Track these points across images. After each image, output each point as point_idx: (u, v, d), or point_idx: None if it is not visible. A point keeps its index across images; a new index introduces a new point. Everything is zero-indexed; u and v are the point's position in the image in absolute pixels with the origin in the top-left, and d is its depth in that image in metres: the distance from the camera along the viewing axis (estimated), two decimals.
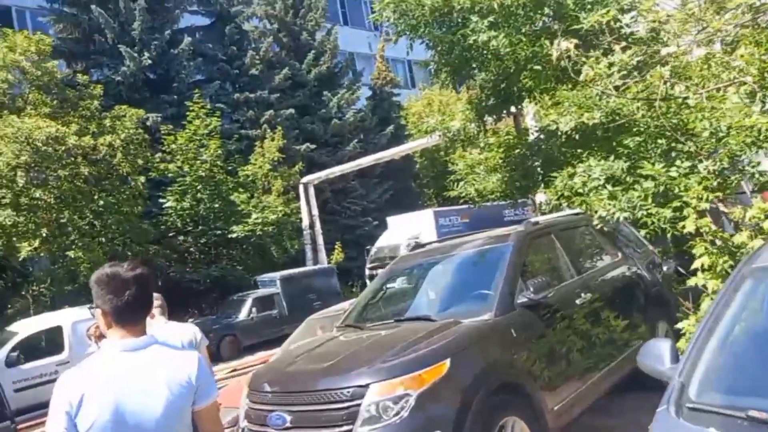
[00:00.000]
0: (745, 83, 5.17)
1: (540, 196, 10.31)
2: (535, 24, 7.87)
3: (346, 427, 3.34)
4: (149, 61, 20.50)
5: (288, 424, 3.56)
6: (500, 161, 8.96)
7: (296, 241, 20.15)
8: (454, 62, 7.44)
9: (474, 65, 7.35)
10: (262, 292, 15.73)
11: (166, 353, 2.02)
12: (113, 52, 20.59)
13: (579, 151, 7.17)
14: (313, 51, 25.91)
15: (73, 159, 13.87)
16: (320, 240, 20.56)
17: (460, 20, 7.36)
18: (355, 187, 25.25)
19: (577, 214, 5.56)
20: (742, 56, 5.05)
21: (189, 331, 4.63)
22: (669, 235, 5.21)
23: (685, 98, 5.56)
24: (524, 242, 4.55)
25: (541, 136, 7.83)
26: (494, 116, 8.42)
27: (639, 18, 7.33)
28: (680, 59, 5.65)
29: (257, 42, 25.25)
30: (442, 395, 3.36)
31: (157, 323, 4.56)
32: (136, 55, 20.24)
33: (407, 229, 19.83)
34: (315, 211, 20.59)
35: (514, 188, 8.11)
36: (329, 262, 20.24)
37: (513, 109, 8.50)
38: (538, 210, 8.88)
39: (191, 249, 18.30)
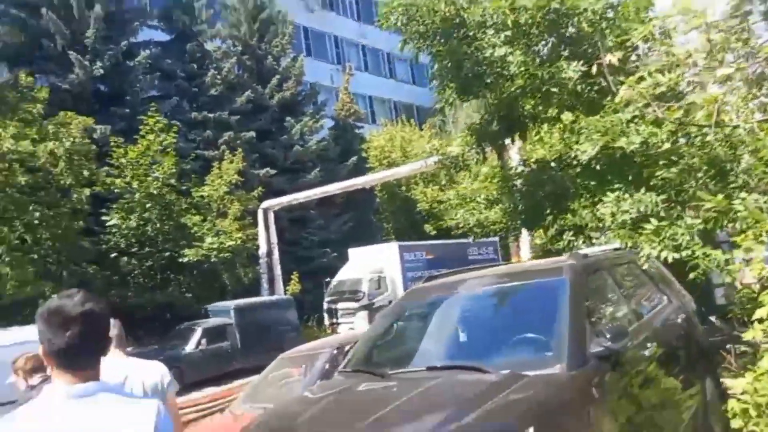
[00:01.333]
0: None
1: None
2: (547, 44, 7.36)
3: None
4: (101, 71, 19.23)
5: None
6: (495, 192, 8.32)
7: (251, 269, 18.82)
8: (465, 77, 6.76)
9: (488, 81, 6.69)
10: (213, 321, 14.32)
11: (115, 406, 1.66)
12: (62, 60, 19.25)
13: (593, 183, 6.59)
14: (277, 76, 25.15)
15: (7, 165, 12.31)
16: (278, 269, 19.31)
17: (471, 33, 6.73)
18: (315, 217, 24.25)
19: (617, 249, 4.86)
20: None
21: (155, 371, 3.55)
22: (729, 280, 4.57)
23: (735, 127, 5.05)
24: (581, 277, 3.76)
25: (551, 164, 7.23)
26: (497, 142, 7.79)
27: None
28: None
29: (219, 62, 24.24)
30: None
31: (113, 358, 3.47)
32: (87, 63, 18.94)
33: (370, 263, 18.96)
34: (274, 239, 19.38)
35: (519, 220, 7.41)
36: (285, 294, 18.96)
37: (516, 138, 7.88)
38: (536, 247, 8.22)
39: (135, 272, 16.66)
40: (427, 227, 29.15)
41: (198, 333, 13.49)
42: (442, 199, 29.09)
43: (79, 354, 1.64)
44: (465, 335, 3.96)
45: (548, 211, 7.04)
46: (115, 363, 3.46)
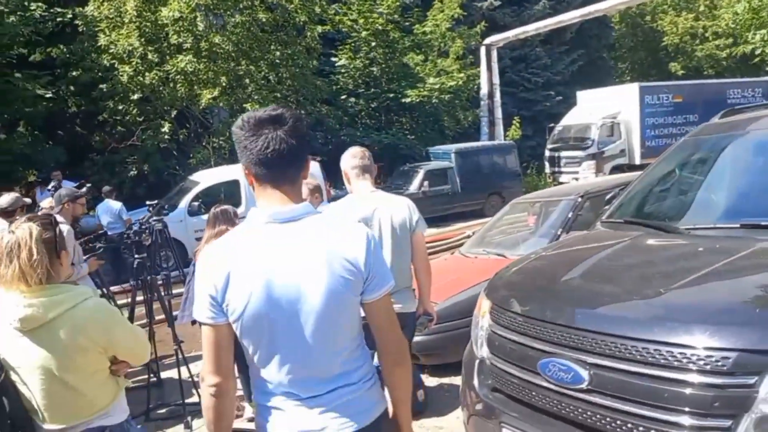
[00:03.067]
0: None
1: None
2: None
3: (714, 422, 1.80)
4: None
5: (585, 385, 2.10)
6: None
7: (470, 112, 18.24)
8: None
9: None
10: (434, 164, 14.45)
11: (326, 228, 1.54)
12: None
13: None
14: None
15: (249, 2, 12.98)
16: (498, 112, 18.40)
17: None
18: (539, 55, 22.12)
19: None
20: None
21: (403, 206, 3.31)
22: None
23: None
24: None
25: None
26: None
27: None
28: None
29: None
30: None
31: (360, 190, 3.28)
32: None
33: (602, 107, 16.96)
34: (496, 79, 18.25)
35: None
36: (505, 138, 18.20)
37: None
38: None
39: (362, 113, 17.33)
40: (673, 66, 24.97)
41: (420, 175, 13.75)
42: (695, 31, 24.28)
43: (276, 165, 1.52)
44: None
45: None
46: (365, 193, 3.27)
